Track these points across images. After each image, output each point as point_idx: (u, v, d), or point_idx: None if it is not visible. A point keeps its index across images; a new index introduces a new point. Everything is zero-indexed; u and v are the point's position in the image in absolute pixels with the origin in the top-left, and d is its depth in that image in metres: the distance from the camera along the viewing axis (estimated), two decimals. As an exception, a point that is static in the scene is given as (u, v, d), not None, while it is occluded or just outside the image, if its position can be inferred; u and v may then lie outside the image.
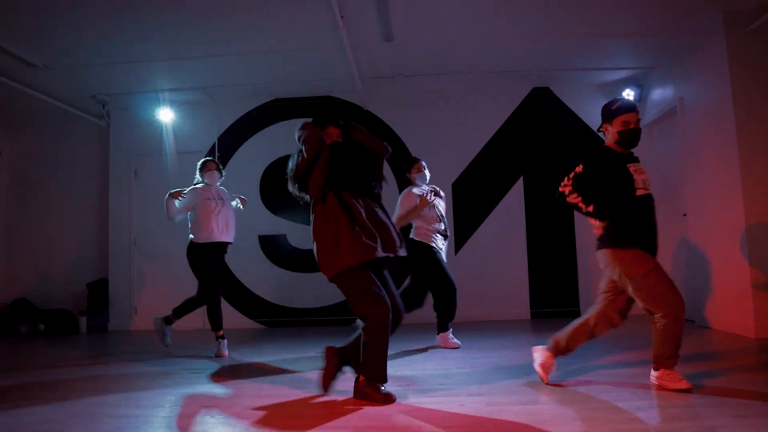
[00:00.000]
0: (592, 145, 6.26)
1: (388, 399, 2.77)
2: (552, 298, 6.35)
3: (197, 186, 4.77)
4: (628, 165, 2.99)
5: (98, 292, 6.71)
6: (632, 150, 3.10)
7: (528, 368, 3.49)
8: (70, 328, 6.47)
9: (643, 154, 6.18)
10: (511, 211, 6.47)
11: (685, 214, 5.50)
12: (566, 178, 3.12)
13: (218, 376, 3.64)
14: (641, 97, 6.35)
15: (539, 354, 3.21)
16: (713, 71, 4.95)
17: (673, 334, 2.90)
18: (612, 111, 3.06)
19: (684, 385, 2.84)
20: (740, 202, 4.60)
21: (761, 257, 4.47)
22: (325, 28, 4.70)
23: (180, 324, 4.92)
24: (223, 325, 4.65)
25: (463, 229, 6.48)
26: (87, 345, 5.61)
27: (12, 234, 7.11)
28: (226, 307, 6.35)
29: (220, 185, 4.87)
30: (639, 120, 3.03)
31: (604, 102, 6.33)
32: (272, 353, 4.56)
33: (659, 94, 6.04)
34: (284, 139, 6.64)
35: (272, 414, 2.67)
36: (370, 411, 2.65)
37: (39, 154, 7.12)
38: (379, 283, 2.84)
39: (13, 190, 7.16)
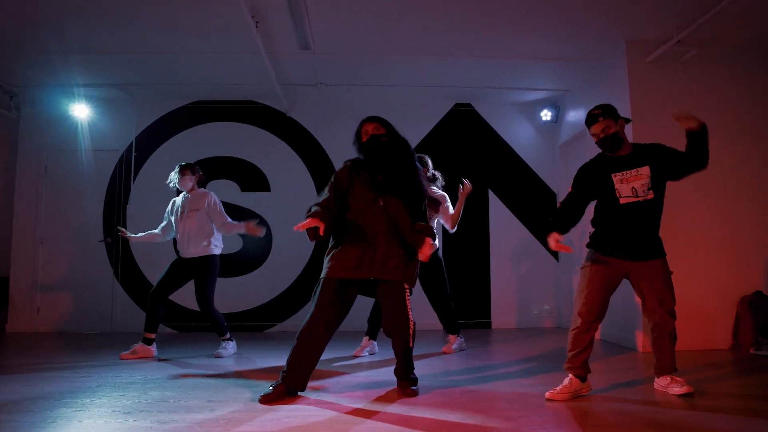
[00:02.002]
0: (511, 163, 6.61)
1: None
2: (464, 309, 6.48)
3: (174, 199, 4.79)
4: (613, 174, 3.05)
5: (-3, 292, 6.38)
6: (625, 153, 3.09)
7: (420, 378, 3.56)
8: (-37, 329, 6.11)
9: (559, 174, 6.53)
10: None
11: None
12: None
13: (101, 379, 3.52)
14: (558, 118, 6.62)
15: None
16: (616, 98, 5.21)
17: (570, 333, 3.12)
18: (585, 124, 3.13)
19: (550, 394, 2.99)
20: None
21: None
22: (241, 32, 4.67)
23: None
24: (154, 330, 4.52)
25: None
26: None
27: None
28: (136, 311, 6.20)
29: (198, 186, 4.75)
30: (606, 127, 3.01)
31: (523, 120, 6.74)
32: (192, 360, 4.46)
33: (573, 116, 6.31)
34: (205, 142, 6.55)
35: (145, 417, 2.60)
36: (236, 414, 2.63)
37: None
38: (327, 301, 2.97)
39: None
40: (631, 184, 3.02)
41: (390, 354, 4.59)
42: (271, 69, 5.30)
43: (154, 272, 6.36)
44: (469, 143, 6.74)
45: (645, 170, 3.02)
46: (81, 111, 6.31)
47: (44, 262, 6.44)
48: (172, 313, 6.35)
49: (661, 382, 3.13)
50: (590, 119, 3.08)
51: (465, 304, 6.50)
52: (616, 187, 3.04)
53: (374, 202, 3.06)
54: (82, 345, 5.26)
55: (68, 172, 6.47)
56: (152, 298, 4.52)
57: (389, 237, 3.03)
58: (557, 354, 4.58)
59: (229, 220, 4.68)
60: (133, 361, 4.31)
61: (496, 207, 6.66)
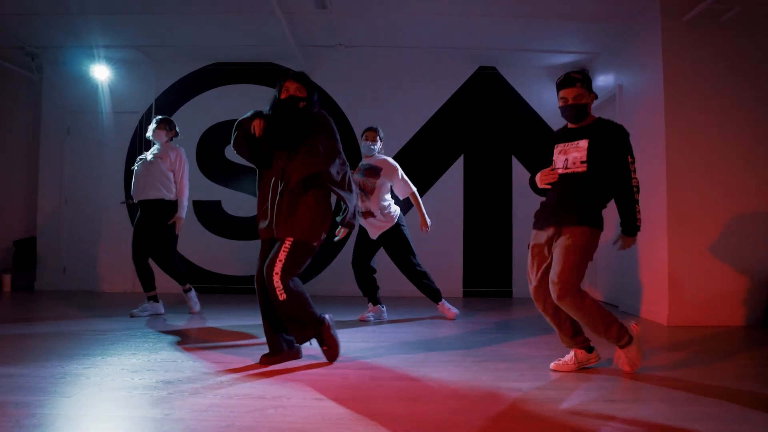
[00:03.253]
0: (536, 129, 6.41)
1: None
2: (485, 277, 6.41)
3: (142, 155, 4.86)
4: (556, 146, 2.95)
5: (26, 251, 6.53)
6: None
7: (431, 344, 3.54)
8: (-7, 286, 6.30)
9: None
10: (449, 189, 6.47)
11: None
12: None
13: (115, 338, 3.57)
14: (586, 83, 6.35)
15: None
16: (649, 60, 4.96)
17: None
18: (556, 85, 2.93)
19: (555, 365, 2.95)
20: (663, 193, 4.64)
21: (678, 247, 4.55)
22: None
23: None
24: (152, 287, 4.71)
25: (399, 204, 6.46)
26: (1, 304, 5.46)
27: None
28: (157, 271, 6.26)
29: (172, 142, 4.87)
30: (579, 95, 2.82)
31: (550, 85, 6.49)
32: (207, 320, 4.51)
33: (602, 80, 6.05)
34: (223, 104, 6.50)
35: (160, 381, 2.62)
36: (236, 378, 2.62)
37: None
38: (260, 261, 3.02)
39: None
40: (565, 156, 2.88)
41: (399, 318, 4.59)
42: (287, 29, 5.19)
43: (174, 234, 6.42)
44: (492, 107, 6.54)
45: (583, 143, 2.84)
46: (101, 73, 6.30)
47: (69, 223, 6.55)
48: (193, 275, 6.43)
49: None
50: (567, 81, 2.85)
51: (486, 273, 6.42)
52: (554, 158, 2.93)
53: (277, 161, 3.01)
54: (104, 303, 5.38)
55: (90, 134, 6.53)
56: (135, 261, 4.68)
57: (290, 197, 2.95)
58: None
59: (186, 185, 4.75)
60: (149, 321, 4.38)
61: (520, 174, 6.48)
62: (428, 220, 4.61)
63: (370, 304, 4.61)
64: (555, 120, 6.48)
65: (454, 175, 6.47)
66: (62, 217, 6.54)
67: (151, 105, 6.52)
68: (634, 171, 2.82)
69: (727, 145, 4.67)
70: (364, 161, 4.60)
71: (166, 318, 4.54)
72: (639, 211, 2.83)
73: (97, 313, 4.74)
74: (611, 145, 2.81)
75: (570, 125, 2.97)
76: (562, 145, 2.93)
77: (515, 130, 6.52)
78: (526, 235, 6.41)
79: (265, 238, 3.04)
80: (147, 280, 4.68)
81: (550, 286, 2.77)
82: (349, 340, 3.68)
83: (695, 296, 4.53)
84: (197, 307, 4.86)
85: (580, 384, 2.67)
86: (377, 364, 3.01)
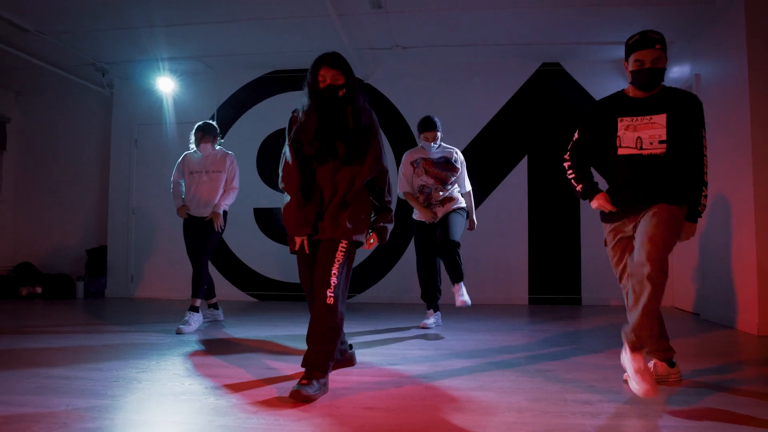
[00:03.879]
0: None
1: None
2: (552, 283, 6.08)
3: (187, 153, 4.68)
4: (619, 118, 2.57)
5: (97, 259, 6.81)
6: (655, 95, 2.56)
7: (493, 353, 3.34)
8: (67, 293, 6.59)
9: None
10: (513, 192, 6.20)
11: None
12: (567, 150, 2.81)
13: (173, 343, 3.58)
14: (659, 76, 5.94)
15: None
16: (730, 46, 4.55)
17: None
18: (628, 46, 2.54)
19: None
20: (750, 190, 4.22)
21: (768, 250, 4.11)
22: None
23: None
24: (212, 295, 4.67)
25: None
26: (73, 309, 5.68)
27: (20, 200, 7.30)
28: (218, 278, 6.37)
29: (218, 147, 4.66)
30: (658, 58, 2.46)
31: (619, 79, 6.11)
32: (263, 328, 4.50)
33: (677, 71, 5.64)
34: (282, 112, 6.50)
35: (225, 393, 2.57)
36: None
37: (46, 122, 7.28)
38: (302, 267, 2.78)
39: (21, 157, 7.35)
40: (637, 134, 2.51)
41: (459, 325, 4.39)
42: (342, 32, 5.13)
43: (237, 241, 6.51)
44: (558, 106, 6.22)
45: (660, 119, 2.48)
46: (166, 85, 6.50)
47: (136, 232, 6.78)
48: (252, 282, 6.48)
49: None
50: (645, 41, 2.47)
51: (553, 279, 6.09)
52: (618, 134, 2.55)
53: (323, 160, 2.75)
54: (166, 310, 5.49)
55: (156, 145, 6.73)
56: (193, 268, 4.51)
57: (354, 199, 2.73)
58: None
59: (236, 189, 4.61)
60: (208, 327, 4.40)
61: (587, 175, 6.13)
62: (475, 221, 4.59)
63: (431, 311, 4.42)
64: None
65: (518, 177, 6.20)
66: (130, 227, 6.77)
67: (213, 115, 6.65)
68: (706, 148, 2.53)
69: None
70: (429, 156, 4.35)
71: (225, 325, 4.54)
72: (706, 196, 2.52)
73: (159, 319, 4.83)
74: (688, 119, 2.50)
75: (632, 93, 2.62)
76: (628, 119, 2.55)
77: (582, 129, 6.18)
78: (595, 239, 6.03)
79: (308, 240, 2.76)
80: (208, 288, 4.68)
81: (640, 263, 2.37)
82: (405, 348, 3.54)
83: (792, 303, 4.07)
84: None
85: (659, 398, 2.39)
86: (434, 373, 2.84)
